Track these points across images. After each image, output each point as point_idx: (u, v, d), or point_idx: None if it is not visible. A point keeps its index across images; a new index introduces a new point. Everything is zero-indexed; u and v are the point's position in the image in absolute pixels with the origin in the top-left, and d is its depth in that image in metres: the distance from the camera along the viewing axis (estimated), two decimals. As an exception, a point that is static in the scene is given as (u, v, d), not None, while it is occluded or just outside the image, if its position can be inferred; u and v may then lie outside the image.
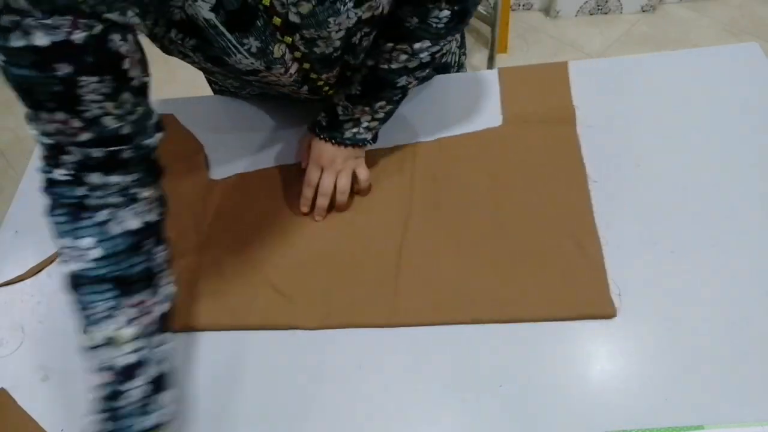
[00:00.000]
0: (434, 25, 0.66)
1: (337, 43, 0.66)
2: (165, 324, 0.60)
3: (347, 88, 0.75)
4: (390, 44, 0.69)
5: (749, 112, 0.83)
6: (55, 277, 0.80)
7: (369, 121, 0.77)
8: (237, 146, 0.90)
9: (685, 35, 2.07)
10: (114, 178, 0.56)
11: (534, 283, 0.70)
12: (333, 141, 0.77)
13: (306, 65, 0.70)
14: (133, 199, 0.58)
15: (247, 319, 0.72)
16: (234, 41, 0.60)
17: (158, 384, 0.57)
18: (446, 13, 0.66)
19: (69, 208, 0.56)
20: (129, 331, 0.55)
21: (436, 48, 0.70)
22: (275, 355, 0.70)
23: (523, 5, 2.23)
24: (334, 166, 0.78)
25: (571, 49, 2.09)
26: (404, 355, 0.68)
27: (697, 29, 2.08)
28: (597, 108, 0.86)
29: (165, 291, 0.60)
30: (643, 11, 2.16)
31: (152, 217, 0.60)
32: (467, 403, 0.64)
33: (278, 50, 0.64)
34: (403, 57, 0.70)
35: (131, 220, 0.57)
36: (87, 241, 0.55)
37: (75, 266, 0.55)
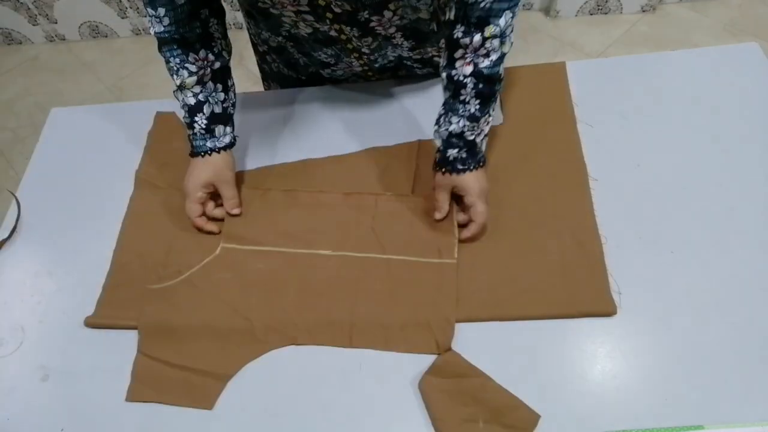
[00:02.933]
0: None
1: None
2: (221, 76, 0.80)
3: (464, 111, 0.70)
4: (478, 36, 0.66)
5: (749, 112, 0.83)
6: (55, 277, 0.80)
7: (487, 128, 0.73)
8: (238, 145, 0.90)
9: (685, 35, 2.07)
10: None
11: (534, 281, 0.70)
12: (481, 164, 0.73)
13: None
14: None
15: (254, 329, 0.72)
16: None
17: (213, 119, 0.78)
18: None
19: None
20: (191, 80, 0.76)
21: (515, 19, 0.68)
22: (275, 355, 0.70)
23: (523, 5, 2.23)
24: (485, 194, 0.73)
25: (571, 49, 2.09)
26: (404, 354, 0.68)
27: (697, 29, 2.08)
28: (597, 108, 0.86)
29: (219, 52, 0.79)
30: (643, 11, 2.16)
31: None
32: (467, 403, 0.64)
33: None
34: (496, 42, 0.67)
35: None
36: (161, 11, 0.72)
37: (155, 29, 0.74)
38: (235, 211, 0.80)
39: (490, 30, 0.66)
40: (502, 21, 0.66)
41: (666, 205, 0.76)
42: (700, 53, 0.91)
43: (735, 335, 0.65)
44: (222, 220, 0.80)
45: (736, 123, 0.82)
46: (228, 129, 0.80)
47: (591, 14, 2.18)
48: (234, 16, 2.19)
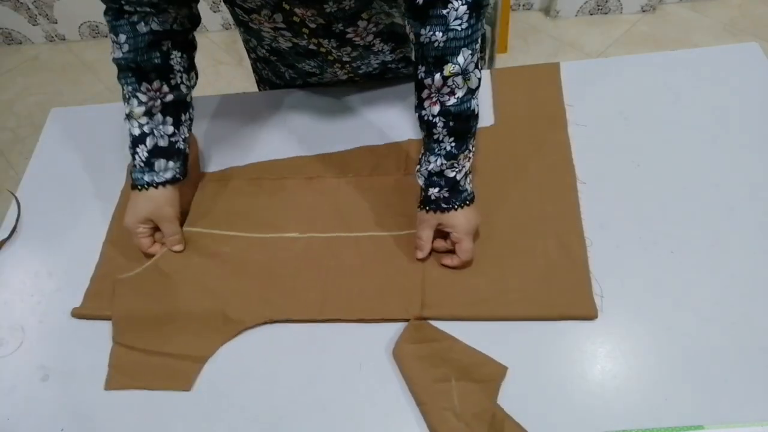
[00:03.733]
0: (459, 27, 0.64)
1: None
2: (174, 109, 0.78)
3: (439, 150, 0.69)
4: (438, 75, 0.65)
5: (749, 112, 0.83)
6: (55, 277, 0.80)
7: (471, 164, 0.72)
8: (228, 143, 0.91)
9: (685, 35, 2.07)
10: None
11: (518, 282, 0.71)
12: (465, 203, 0.71)
13: None
14: (162, 11, 0.73)
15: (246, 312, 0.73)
16: None
17: (155, 152, 0.76)
18: (463, 8, 0.63)
19: (113, 11, 0.72)
20: (139, 110, 0.74)
21: (475, 57, 0.66)
22: (275, 355, 0.70)
23: (523, 5, 2.23)
24: (471, 233, 0.72)
25: (571, 49, 2.09)
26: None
27: (697, 29, 2.08)
28: (597, 108, 0.86)
29: (176, 85, 0.77)
30: (643, 11, 2.16)
31: (176, 27, 0.76)
32: (467, 403, 0.64)
33: None
34: (459, 80, 0.66)
35: (156, 25, 0.74)
36: (122, 37, 0.73)
37: (114, 55, 0.74)
38: (177, 248, 0.78)
39: (449, 69, 0.65)
40: (460, 59, 0.65)
41: (666, 205, 0.76)
42: (700, 53, 0.91)
43: (735, 335, 0.65)
44: None
45: (736, 123, 0.82)
46: (171, 164, 0.77)
47: (591, 14, 2.19)
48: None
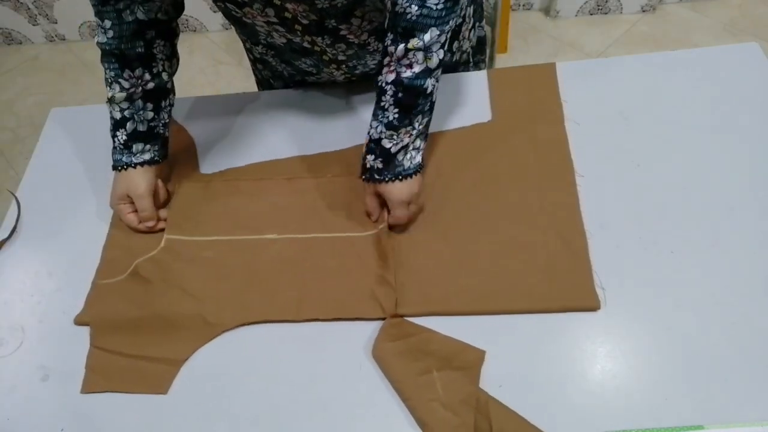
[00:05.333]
0: (433, 6, 0.66)
1: None
2: (155, 96, 0.81)
3: (382, 118, 0.72)
4: (402, 46, 0.68)
5: (749, 112, 0.83)
6: (55, 277, 0.80)
7: (415, 141, 0.74)
8: (228, 143, 0.91)
9: (685, 35, 2.07)
10: None
11: (519, 275, 0.71)
12: (399, 178, 0.73)
13: None
14: (146, 0, 0.75)
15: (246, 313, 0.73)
16: None
17: (133, 136, 0.80)
18: None
19: None
20: (121, 95, 0.78)
21: (443, 37, 0.68)
22: (275, 355, 0.70)
23: (523, 5, 2.23)
24: (404, 202, 0.74)
25: (571, 49, 2.09)
26: (404, 355, 0.68)
27: (697, 29, 2.08)
28: (597, 108, 0.86)
29: (158, 73, 0.80)
30: (643, 11, 2.16)
31: (161, 15, 0.78)
32: (467, 403, 0.64)
33: None
34: (420, 56, 0.68)
35: (141, 14, 0.76)
36: (107, 23, 0.75)
37: (99, 39, 0.77)
38: (149, 224, 0.81)
39: (413, 42, 0.67)
40: (427, 36, 0.67)
41: (666, 205, 0.76)
42: (700, 53, 0.91)
43: (735, 335, 0.65)
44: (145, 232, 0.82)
45: (736, 123, 0.82)
46: (149, 147, 0.81)
47: (591, 14, 2.18)
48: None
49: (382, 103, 0.71)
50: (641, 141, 0.82)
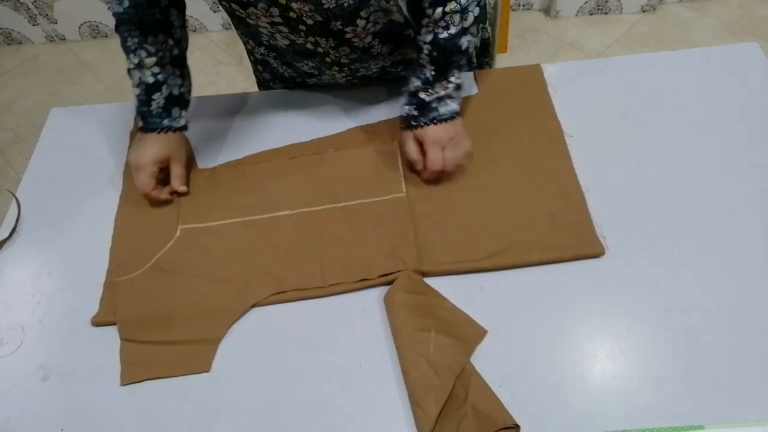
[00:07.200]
0: None
1: None
2: (179, 62, 0.82)
3: (420, 74, 0.77)
4: (439, 9, 0.72)
5: (749, 112, 0.83)
6: (55, 277, 0.80)
7: (451, 92, 0.78)
8: (228, 143, 0.91)
9: (685, 35, 2.07)
10: None
11: (523, 230, 0.75)
12: (434, 122, 0.78)
13: None
14: None
15: (244, 299, 0.74)
16: None
17: (171, 100, 0.80)
18: None
19: None
20: (150, 60, 0.78)
21: None
22: (275, 355, 0.70)
23: (523, 5, 2.23)
24: (441, 144, 0.78)
25: (571, 49, 2.09)
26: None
27: (697, 29, 2.08)
28: (597, 108, 0.86)
29: (178, 39, 0.82)
30: (643, 11, 2.16)
31: None
32: (467, 403, 0.64)
33: None
34: (456, 17, 0.72)
35: None
36: None
37: (114, 9, 0.76)
38: (182, 188, 0.82)
39: (451, 6, 0.71)
40: None
41: (666, 205, 0.76)
42: (700, 53, 0.91)
43: (735, 335, 0.65)
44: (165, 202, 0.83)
45: (736, 123, 0.82)
46: (183, 112, 0.83)
47: (591, 14, 2.19)
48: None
49: (420, 60, 0.76)
50: (641, 141, 0.82)
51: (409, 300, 0.69)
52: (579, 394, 0.63)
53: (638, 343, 0.66)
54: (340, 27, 0.77)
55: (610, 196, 0.77)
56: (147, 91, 0.79)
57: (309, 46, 0.82)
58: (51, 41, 2.42)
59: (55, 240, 0.83)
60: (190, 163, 0.86)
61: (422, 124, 0.78)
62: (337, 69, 0.88)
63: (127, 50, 0.78)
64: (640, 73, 0.90)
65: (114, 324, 0.74)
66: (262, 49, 0.91)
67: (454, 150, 0.78)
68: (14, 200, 0.88)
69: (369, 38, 0.81)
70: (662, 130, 0.83)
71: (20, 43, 2.43)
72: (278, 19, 0.77)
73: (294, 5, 0.74)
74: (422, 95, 0.77)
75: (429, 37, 0.74)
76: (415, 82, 0.78)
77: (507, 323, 0.69)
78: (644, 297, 0.68)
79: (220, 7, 2.22)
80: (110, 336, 0.73)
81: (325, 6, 0.73)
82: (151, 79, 0.79)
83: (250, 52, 0.97)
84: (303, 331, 0.71)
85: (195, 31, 2.31)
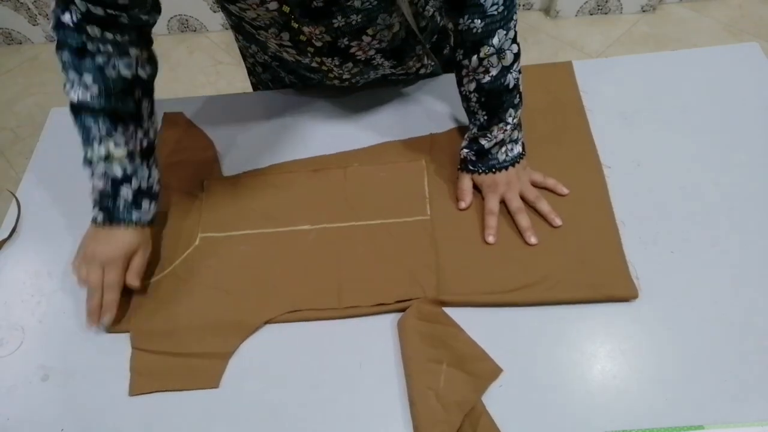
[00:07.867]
0: (495, 12, 0.68)
1: None
2: (148, 155, 0.75)
3: (475, 121, 0.77)
4: (475, 58, 0.71)
5: (749, 112, 0.83)
6: (55, 277, 0.80)
7: (511, 134, 0.76)
8: (228, 143, 0.91)
9: (685, 35, 2.07)
10: (109, 34, 0.69)
11: (555, 267, 0.71)
12: (493, 170, 0.77)
13: (285, 8, 0.70)
14: (125, 53, 0.71)
15: (257, 314, 0.73)
16: None
17: (140, 193, 0.74)
18: None
19: (74, 50, 0.69)
20: (120, 152, 0.71)
21: (511, 33, 0.71)
22: (274, 355, 0.70)
23: (523, 5, 2.23)
24: (498, 190, 0.77)
25: (571, 49, 2.09)
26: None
27: (697, 29, 2.08)
28: (597, 108, 0.86)
29: (147, 131, 0.75)
30: (643, 11, 2.16)
31: (142, 73, 0.74)
32: (467, 403, 0.64)
33: None
34: (494, 59, 0.71)
35: (124, 70, 0.71)
36: (88, 78, 0.69)
37: (79, 96, 0.70)
38: (136, 283, 0.73)
39: (484, 51, 0.70)
40: (495, 40, 0.70)
41: (666, 205, 0.76)
42: (700, 53, 0.91)
43: (735, 335, 0.65)
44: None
45: (736, 123, 0.82)
46: (152, 206, 0.75)
47: (591, 14, 2.19)
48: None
49: (472, 108, 0.76)
50: (641, 141, 0.82)
51: (423, 328, 0.67)
52: (579, 394, 0.63)
53: (638, 343, 0.66)
54: (347, 43, 0.77)
55: (610, 195, 0.77)
56: (113, 184, 0.72)
57: (314, 65, 0.83)
58: (51, 41, 2.41)
59: (55, 240, 0.83)
60: (149, 255, 0.77)
61: (480, 171, 0.77)
62: (338, 81, 0.88)
63: (90, 139, 0.70)
64: (640, 73, 0.90)
65: (126, 332, 0.73)
66: (267, 57, 0.90)
67: (512, 191, 0.76)
68: (14, 200, 0.88)
69: (372, 52, 0.81)
70: (662, 130, 0.83)
71: (20, 43, 2.43)
72: (287, 43, 0.77)
73: (305, 29, 0.74)
74: (482, 141, 0.76)
75: (473, 86, 0.74)
76: (472, 130, 0.77)
77: (507, 323, 0.69)
78: (644, 297, 0.68)
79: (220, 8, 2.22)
80: (110, 336, 0.73)
81: (336, 25, 0.73)
82: (119, 173, 0.71)
83: (251, 55, 0.95)
84: (303, 331, 0.71)
85: (195, 31, 2.31)
